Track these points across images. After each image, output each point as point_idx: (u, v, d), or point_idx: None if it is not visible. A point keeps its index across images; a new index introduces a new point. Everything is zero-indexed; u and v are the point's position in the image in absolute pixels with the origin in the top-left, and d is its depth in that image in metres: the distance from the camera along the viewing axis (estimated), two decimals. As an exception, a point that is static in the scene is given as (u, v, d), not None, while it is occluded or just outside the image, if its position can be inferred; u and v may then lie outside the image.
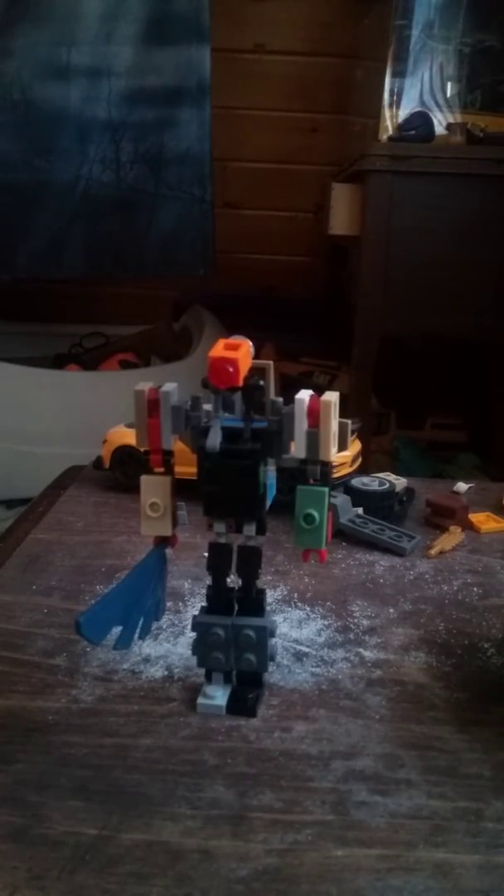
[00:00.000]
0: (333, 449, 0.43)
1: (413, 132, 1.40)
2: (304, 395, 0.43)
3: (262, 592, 0.46)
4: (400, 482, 0.78)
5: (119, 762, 0.42)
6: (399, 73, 1.49)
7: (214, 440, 0.42)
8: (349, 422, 0.44)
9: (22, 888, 0.34)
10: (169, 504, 0.45)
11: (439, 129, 1.44)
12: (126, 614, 0.45)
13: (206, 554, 0.46)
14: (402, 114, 1.47)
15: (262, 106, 2.13)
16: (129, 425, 0.81)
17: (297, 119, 2.14)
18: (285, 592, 0.62)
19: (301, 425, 0.43)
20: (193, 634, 0.47)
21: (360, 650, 0.54)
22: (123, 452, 0.80)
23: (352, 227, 1.44)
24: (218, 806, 0.39)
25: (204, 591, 0.47)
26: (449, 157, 1.36)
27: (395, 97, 1.49)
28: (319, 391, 0.43)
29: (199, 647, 0.46)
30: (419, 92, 1.49)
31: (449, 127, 1.45)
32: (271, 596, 0.60)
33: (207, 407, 0.44)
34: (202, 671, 0.47)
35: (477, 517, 0.76)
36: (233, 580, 0.47)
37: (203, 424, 0.43)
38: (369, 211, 1.38)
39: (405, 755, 0.43)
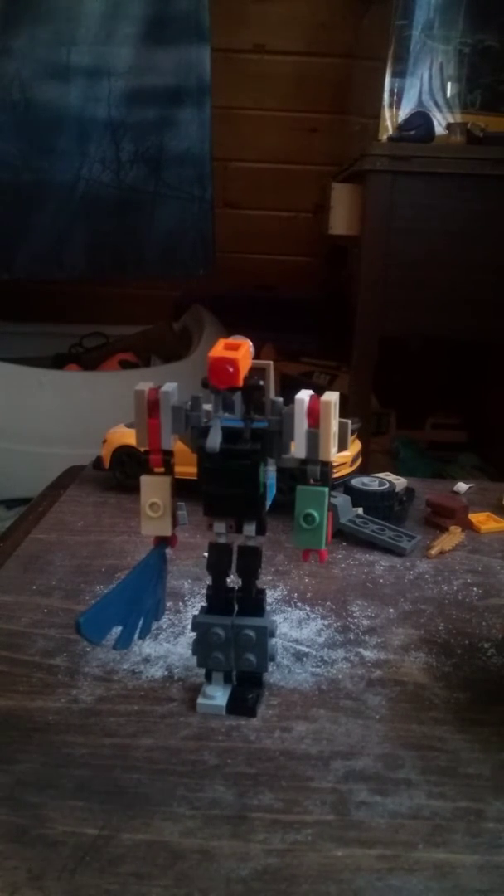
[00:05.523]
0: (333, 449, 0.43)
1: (413, 132, 1.40)
2: (304, 395, 0.43)
3: (262, 592, 0.46)
4: (400, 482, 0.78)
5: (119, 762, 0.42)
6: (399, 73, 1.48)
7: (214, 440, 0.42)
8: (349, 422, 0.44)
9: (22, 888, 0.34)
10: (169, 504, 0.45)
11: (439, 129, 1.44)
12: (126, 614, 0.45)
13: (206, 554, 0.46)
14: (402, 114, 1.47)
15: (262, 106, 2.13)
16: (129, 425, 0.81)
17: (297, 119, 2.13)
18: (285, 592, 0.62)
19: (301, 425, 0.43)
20: (193, 634, 0.46)
21: (360, 650, 0.54)
22: (123, 452, 0.80)
23: (352, 227, 1.44)
24: (218, 806, 0.39)
25: (204, 591, 0.47)
26: (449, 157, 1.36)
27: (395, 97, 1.49)
28: (319, 391, 0.43)
29: (199, 647, 0.46)
30: (419, 92, 1.49)
31: (449, 127, 1.45)
32: (271, 596, 0.60)
33: (207, 407, 0.44)
34: (202, 671, 0.47)
35: (477, 517, 0.76)
36: (233, 580, 0.47)
37: (203, 424, 0.43)
38: (369, 211, 1.38)
39: (405, 755, 0.43)
